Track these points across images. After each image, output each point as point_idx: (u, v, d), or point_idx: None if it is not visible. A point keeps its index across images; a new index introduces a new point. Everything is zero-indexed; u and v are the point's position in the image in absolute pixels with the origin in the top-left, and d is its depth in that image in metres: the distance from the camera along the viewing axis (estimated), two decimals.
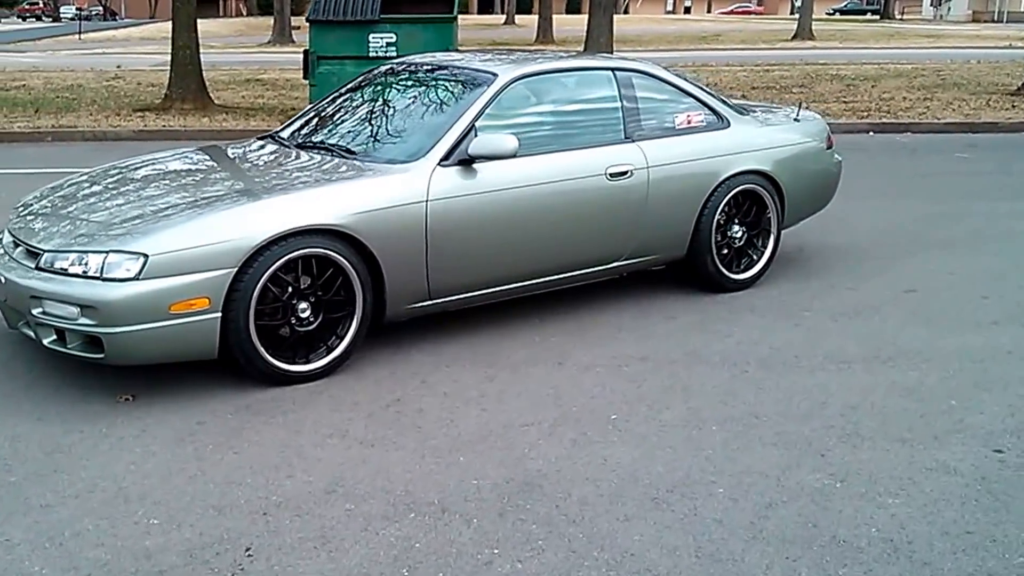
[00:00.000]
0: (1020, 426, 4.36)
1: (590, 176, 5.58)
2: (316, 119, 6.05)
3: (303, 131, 5.94)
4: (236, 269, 4.52)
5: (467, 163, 5.21)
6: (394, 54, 13.50)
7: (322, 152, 5.48)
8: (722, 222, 6.17)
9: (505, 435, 4.29)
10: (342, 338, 4.92)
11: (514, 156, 5.23)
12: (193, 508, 3.69)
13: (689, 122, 6.10)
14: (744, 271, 6.32)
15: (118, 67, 23.92)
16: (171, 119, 14.95)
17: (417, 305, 5.16)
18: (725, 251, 6.25)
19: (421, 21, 13.57)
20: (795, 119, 6.74)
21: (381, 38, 13.54)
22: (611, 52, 15.66)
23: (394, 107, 5.73)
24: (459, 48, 13.67)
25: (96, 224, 4.76)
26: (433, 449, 4.16)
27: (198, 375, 4.88)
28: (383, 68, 6.35)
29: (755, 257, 6.39)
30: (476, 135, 5.23)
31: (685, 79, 6.32)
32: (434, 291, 5.16)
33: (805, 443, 4.20)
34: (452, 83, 5.71)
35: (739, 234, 6.27)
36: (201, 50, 16.48)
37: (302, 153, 5.61)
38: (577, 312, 5.95)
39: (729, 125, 6.22)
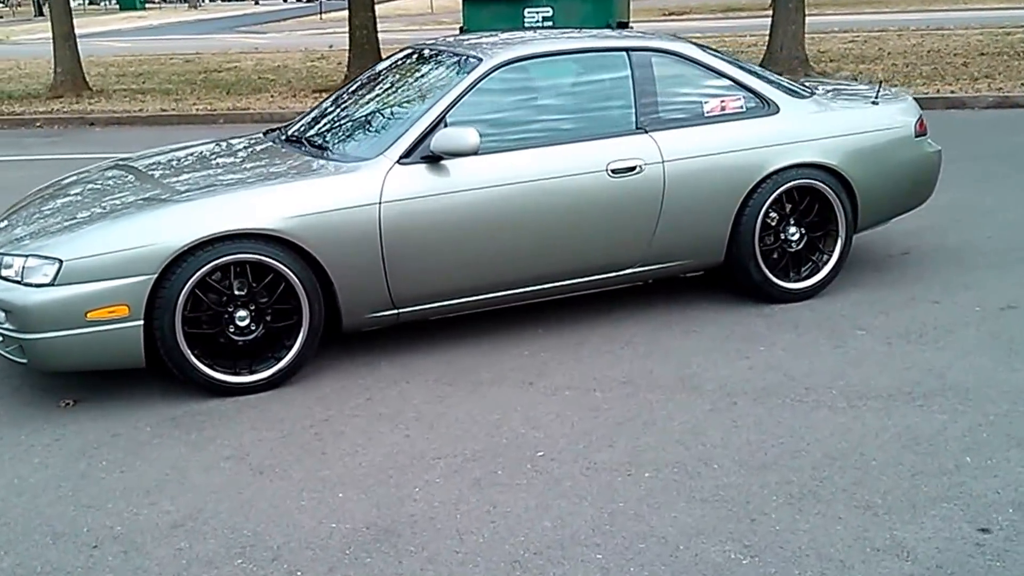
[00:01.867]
0: None
1: (586, 173, 4.93)
2: (329, 109, 5.66)
3: (308, 122, 5.57)
4: (156, 275, 4.23)
5: (434, 160, 4.68)
6: (551, 28, 12.97)
7: (299, 148, 5.11)
8: (772, 223, 5.34)
9: (407, 469, 3.83)
10: (289, 349, 4.52)
11: (475, 153, 4.67)
12: (33, 534, 3.48)
13: (723, 108, 5.30)
14: (803, 279, 5.48)
15: (329, 47, 24.49)
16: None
17: (381, 314, 4.71)
18: (777, 256, 5.40)
19: None
20: (873, 101, 5.76)
21: (537, 12, 13.07)
22: (802, 14, 14.35)
23: (383, 98, 5.28)
24: (624, 24, 12.93)
25: (35, 228, 4.59)
26: (320, 482, 3.75)
27: (158, 380, 4.67)
28: (401, 53, 5.88)
29: (819, 263, 5.49)
30: (447, 128, 4.69)
31: (724, 58, 5.51)
32: (399, 300, 4.70)
33: (742, 502, 3.49)
34: (441, 70, 5.20)
35: (796, 237, 5.41)
36: (380, 29, 16.44)
37: (280, 149, 5.24)
38: (589, 322, 5.34)
39: (778, 111, 5.37)
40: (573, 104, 5.11)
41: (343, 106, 5.48)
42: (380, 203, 4.56)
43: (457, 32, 13.64)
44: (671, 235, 5.12)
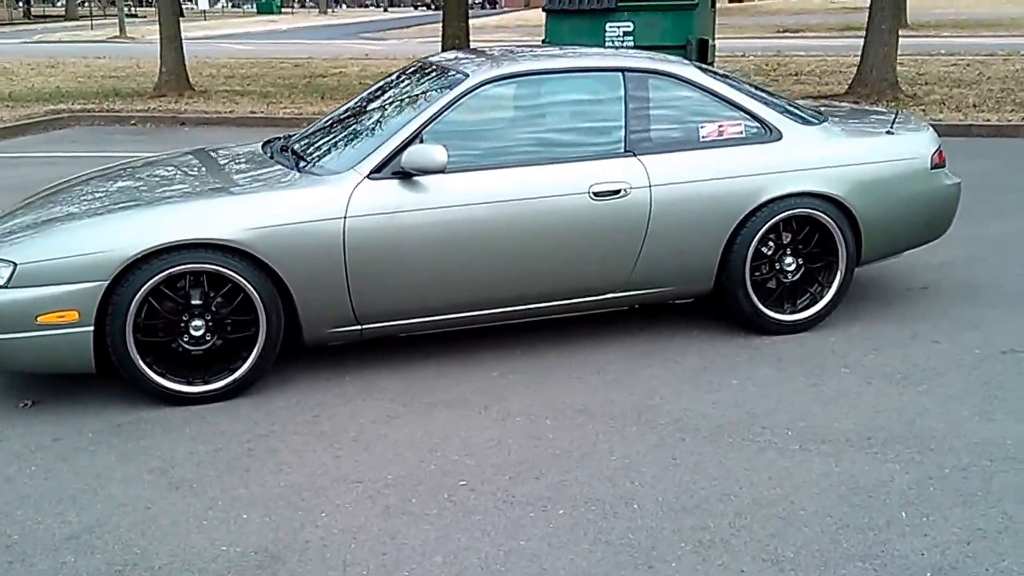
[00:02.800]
0: (957, 562, 3.22)
1: (567, 195, 4.79)
2: (329, 120, 5.65)
3: (307, 133, 5.57)
4: (108, 282, 4.27)
5: (407, 176, 4.62)
6: (631, 44, 12.83)
7: (283, 159, 5.08)
8: (768, 252, 5.12)
9: (322, 492, 3.77)
10: (245, 360, 4.52)
11: (443, 170, 4.58)
12: None
13: (721, 133, 5.10)
14: (799, 311, 5.24)
15: (387, 56, 24.73)
16: None
17: (343, 330, 4.67)
18: (773, 285, 5.18)
19: (660, 8, 12.75)
20: (887, 131, 5.47)
21: (618, 27, 12.89)
22: (895, 36, 13.84)
23: (372, 112, 5.23)
24: (705, 41, 12.66)
25: (9, 228, 4.68)
26: (231, 500, 3.72)
27: (123, 383, 4.66)
28: (407, 67, 5.84)
29: (816, 295, 5.25)
30: (418, 144, 4.63)
31: (730, 82, 5.30)
32: (362, 316, 4.65)
33: (647, 547, 3.35)
34: (431, 86, 5.12)
35: (792, 267, 5.18)
36: (485, 40, 16.49)
37: (262, 160, 5.25)
38: (570, 345, 5.21)
39: (780, 137, 5.14)
40: (559, 124, 4.99)
41: (341, 118, 5.46)
42: (345, 217, 4.51)
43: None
44: (656, 261, 4.95)
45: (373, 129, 4.93)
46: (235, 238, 4.38)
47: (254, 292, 4.44)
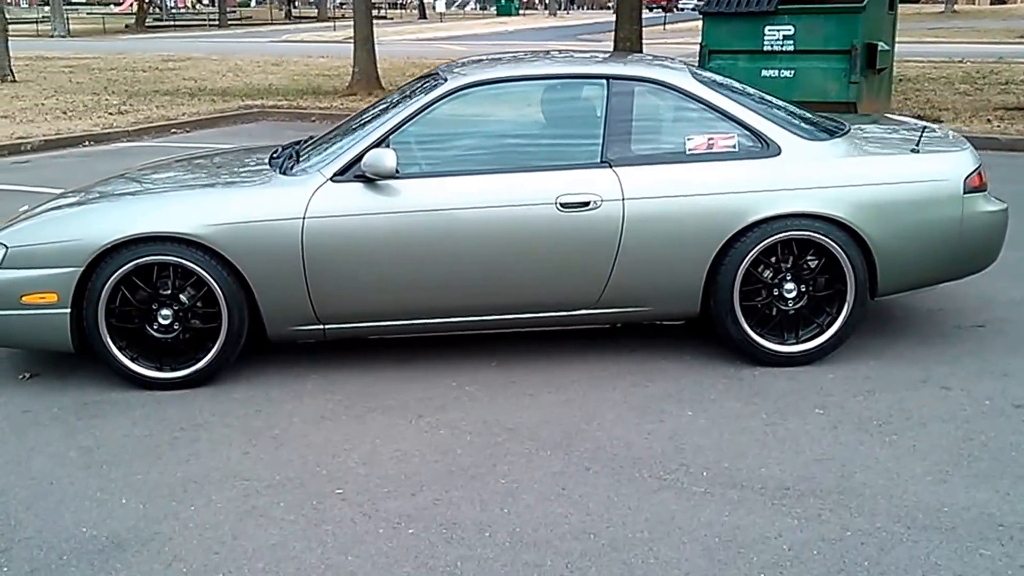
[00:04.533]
0: None
1: (532, 204, 4.68)
2: (341, 125, 5.74)
3: (318, 138, 5.66)
4: (83, 268, 4.52)
5: (371, 180, 4.65)
6: (791, 49, 12.38)
7: (278, 161, 5.19)
8: (766, 277, 4.82)
9: (207, 486, 3.84)
10: (208, 351, 4.68)
11: (393, 176, 4.57)
12: None
13: (710, 146, 4.83)
14: (801, 342, 4.89)
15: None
16: None
17: (306, 328, 4.75)
18: (773, 312, 4.87)
19: (823, 12, 12.18)
20: (913, 148, 5.02)
21: (778, 31, 12.43)
22: None
23: (369, 117, 5.25)
24: (873, 47, 11.99)
25: (34, 211, 5.01)
26: (124, 486, 3.88)
27: None
28: (424, 73, 5.86)
29: (823, 327, 4.90)
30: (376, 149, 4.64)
31: (730, 92, 5.00)
32: (323, 316, 4.71)
33: None
34: (415, 91, 5.11)
35: (793, 294, 4.85)
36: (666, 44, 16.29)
37: (252, 160, 5.40)
38: (544, 360, 5.06)
39: (778, 153, 4.80)
40: (533, 132, 4.87)
41: (350, 123, 5.52)
42: (304, 218, 4.57)
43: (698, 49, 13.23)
44: (632, 279, 4.75)
45: (355, 133, 4.94)
46: (196, 233, 4.51)
47: (216, 286, 4.57)
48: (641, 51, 16.04)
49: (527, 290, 4.72)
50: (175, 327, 4.64)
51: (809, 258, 4.81)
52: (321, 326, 4.72)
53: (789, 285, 4.80)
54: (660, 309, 4.86)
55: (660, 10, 55.42)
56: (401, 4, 78.34)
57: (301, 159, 4.97)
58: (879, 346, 5.11)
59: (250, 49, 31.91)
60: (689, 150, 4.78)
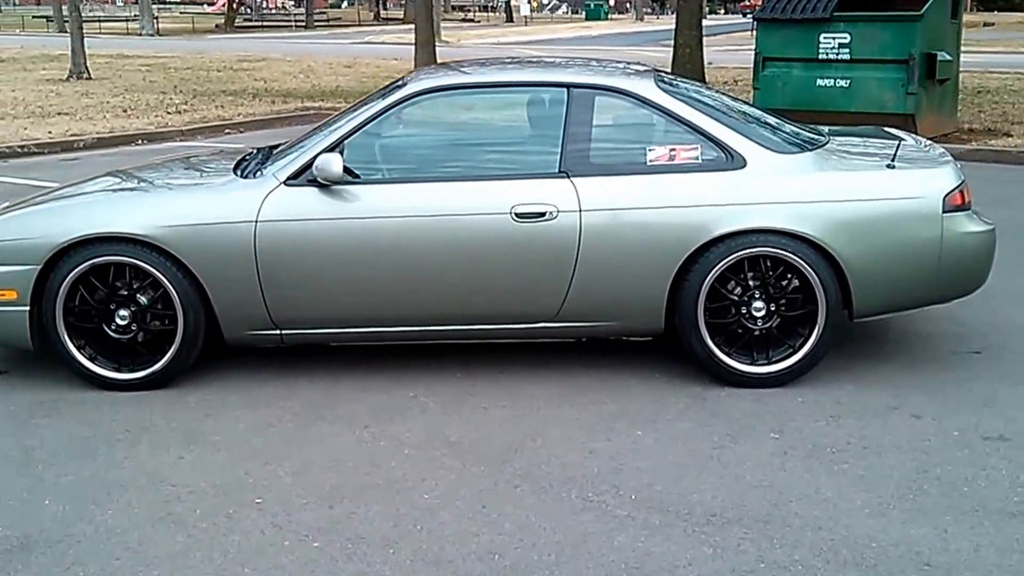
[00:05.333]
0: None
1: (487, 214, 4.59)
2: (319, 127, 5.71)
3: (289, 142, 5.63)
4: (41, 267, 4.56)
5: (324, 185, 4.62)
6: (847, 57, 12.10)
7: (243, 164, 5.18)
8: (734, 295, 4.68)
9: (133, 490, 3.84)
10: (165, 353, 4.70)
11: (339, 181, 4.52)
12: None
13: (672, 158, 4.69)
14: (772, 363, 4.72)
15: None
16: None
17: (263, 333, 4.73)
18: (742, 332, 4.72)
19: (880, 20, 11.88)
20: (889, 164, 4.81)
21: (833, 39, 12.16)
22: None
23: (334, 120, 5.22)
24: (932, 56, 11.63)
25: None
26: (52, 486, 3.92)
27: None
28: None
29: (795, 348, 4.73)
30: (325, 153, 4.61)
31: (699, 102, 4.85)
32: (278, 321, 4.69)
33: None
34: (378, 96, 5.07)
35: (762, 313, 4.69)
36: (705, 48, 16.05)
37: (218, 163, 5.41)
38: (512, 373, 4.96)
39: (743, 165, 4.65)
40: (491, 139, 4.82)
41: (320, 126, 5.49)
42: (256, 222, 4.55)
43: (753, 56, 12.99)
44: (592, 293, 4.64)
45: (315, 137, 4.91)
46: (149, 234, 4.53)
47: (171, 287, 4.58)
48: (701, 58, 15.82)
49: (483, 301, 4.63)
50: (132, 328, 4.65)
51: (778, 276, 4.60)
52: (278, 331, 4.70)
53: (758, 304, 4.63)
54: (623, 324, 4.73)
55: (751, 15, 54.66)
56: (492, 7, 78.62)
57: (267, 163, 4.93)
58: (863, 369, 4.91)
59: (329, 51, 32.26)
60: (650, 161, 4.65)
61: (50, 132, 13.10)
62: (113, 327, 4.66)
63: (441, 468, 3.97)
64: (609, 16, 66.76)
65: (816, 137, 5.07)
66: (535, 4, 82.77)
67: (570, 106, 4.69)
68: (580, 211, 4.51)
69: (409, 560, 3.33)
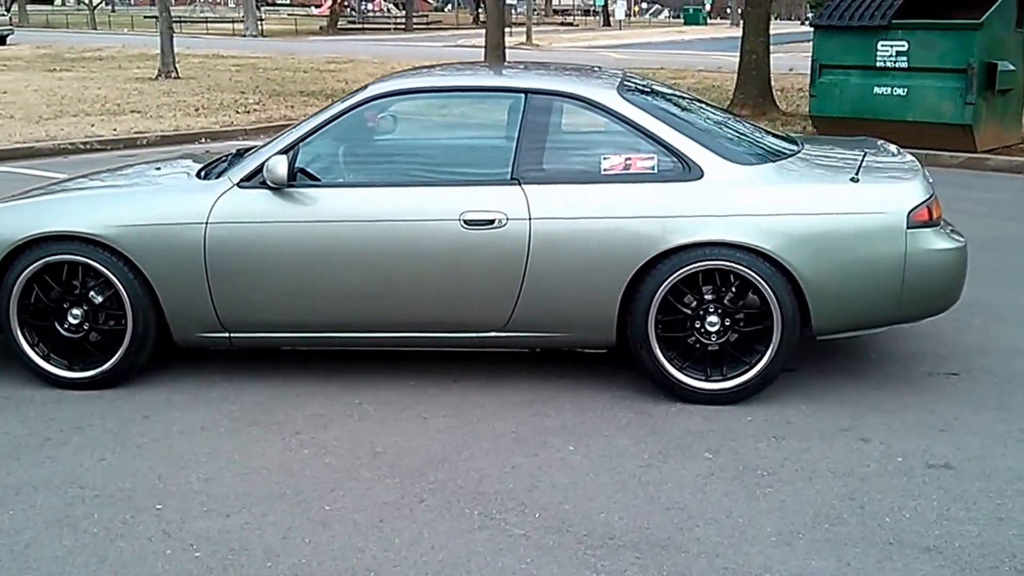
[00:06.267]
0: None
1: (436, 220, 4.53)
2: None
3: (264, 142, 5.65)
4: None
5: (276, 188, 4.62)
6: (904, 65, 11.72)
7: (217, 165, 5.20)
8: (691, 308, 4.54)
9: (43, 492, 3.84)
10: (115, 352, 4.75)
11: (284, 185, 4.50)
12: None
13: (627, 167, 4.56)
14: (727, 379, 4.56)
15: (718, 68, 23.74)
16: None
17: (212, 335, 4.74)
18: (696, 347, 4.58)
19: (939, 28, 11.46)
20: (852, 177, 4.61)
21: (891, 46, 11.78)
22: None
23: (299, 123, 5.21)
24: (992, 65, 11.19)
25: None
26: None
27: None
28: None
29: (751, 364, 4.57)
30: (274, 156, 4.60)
31: (658, 109, 4.70)
32: (226, 323, 4.70)
33: None
34: (342, 98, 5.04)
35: (716, 328, 4.54)
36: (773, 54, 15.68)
37: (181, 163, 5.42)
38: (466, 383, 4.86)
39: (700, 176, 4.50)
40: (446, 145, 4.74)
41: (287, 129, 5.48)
42: (207, 223, 4.56)
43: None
44: (541, 303, 4.53)
45: (277, 139, 4.90)
46: (101, 233, 4.57)
47: (121, 287, 4.61)
48: (768, 65, 15.46)
49: (431, 309, 4.56)
50: (84, 327, 4.68)
51: (734, 291, 4.44)
52: (227, 334, 4.69)
53: (713, 319, 4.47)
54: (574, 336, 4.61)
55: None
56: (593, 11, 78.44)
57: (232, 166, 4.94)
58: (827, 388, 4.72)
59: (417, 53, 32.46)
60: (604, 170, 4.52)
61: (115, 129, 13.41)
62: (66, 326, 4.69)
63: (353, 479, 3.91)
64: (707, 21, 65.90)
65: (787, 147, 4.88)
66: (636, 9, 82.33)
67: (526, 112, 4.59)
68: (530, 219, 4.41)
69: (287, 573, 3.27)
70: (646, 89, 5.04)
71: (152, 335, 4.69)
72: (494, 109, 4.86)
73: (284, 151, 4.57)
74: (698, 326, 4.49)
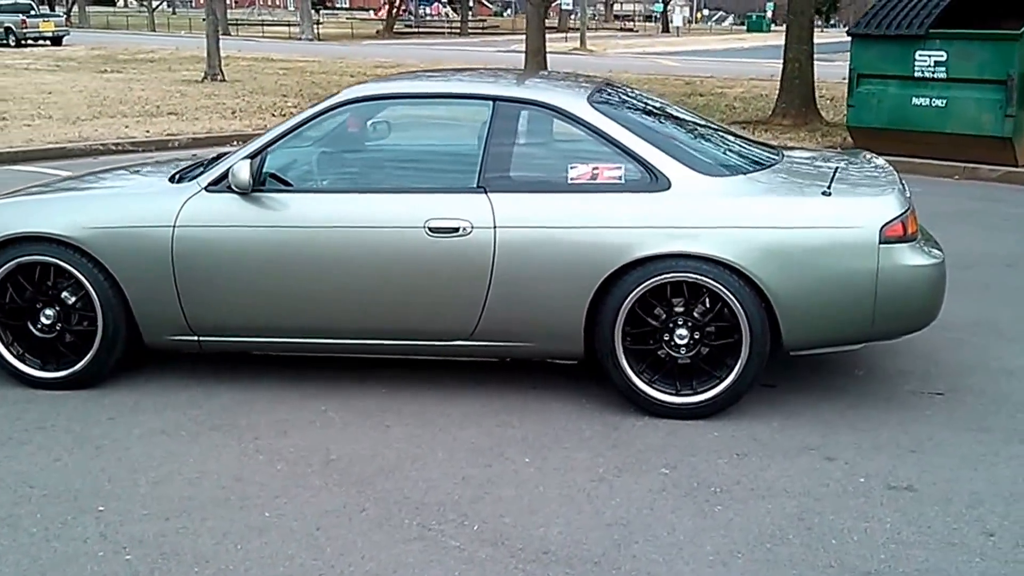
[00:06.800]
0: None
1: (401, 227, 4.50)
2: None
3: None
4: None
5: (241, 192, 4.62)
6: (943, 76, 11.49)
7: (192, 169, 5.22)
8: (660, 320, 4.46)
9: None
10: (86, 353, 4.78)
11: (247, 190, 4.50)
12: None
13: (594, 177, 4.49)
14: (696, 393, 4.48)
15: (771, 76, 23.37)
16: (758, 136, 14.17)
17: (181, 338, 4.75)
18: (665, 359, 4.50)
19: (978, 38, 11.21)
20: (824, 191, 4.49)
21: (929, 56, 11.54)
22: None
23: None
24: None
25: None
26: None
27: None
28: None
29: (721, 379, 4.49)
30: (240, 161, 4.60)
31: (621, 119, 4.63)
32: (195, 326, 4.71)
33: None
34: (312, 104, 5.04)
35: (685, 341, 4.46)
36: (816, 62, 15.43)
37: (161, 168, 5.43)
38: (435, 392, 4.82)
39: (667, 187, 4.42)
40: (414, 152, 4.71)
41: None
42: (174, 226, 4.58)
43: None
44: (507, 312, 4.48)
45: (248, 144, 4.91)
46: (71, 235, 4.60)
47: (91, 289, 4.64)
48: (812, 73, 15.22)
49: (397, 317, 4.53)
50: (57, 327, 4.71)
51: (703, 305, 4.35)
52: (196, 337, 4.70)
53: (682, 332, 4.39)
54: (541, 347, 4.55)
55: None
56: (655, 17, 78.18)
57: (205, 170, 4.95)
58: (804, 405, 4.62)
59: (465, 57, 32.56)
60: (571, 179, 4.45)
61: (148, 131, 13.58)
62: (39, 326, 4.73)
63: (301, 486, 3.88)
64: (771, 28, 65.26)
65: (766, 158, 4.77)
66: (699, 15, 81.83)
67: (494, 120, 4.55)
68: (495, 228, 4.36)
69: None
70: (621, 98, 4.97)
71: (122, 337, 4.70)
72: (464, 116, 4.82)
73: (251, 156, 4.56)
74: (667, 339, 4.40)
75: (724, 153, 4.72)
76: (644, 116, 4.79)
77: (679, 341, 4.39)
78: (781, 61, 15.53)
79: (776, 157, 4.84)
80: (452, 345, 4.58)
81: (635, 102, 5.02)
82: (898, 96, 11.75)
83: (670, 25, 62.55)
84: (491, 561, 3.35)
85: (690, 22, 72.51)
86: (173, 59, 28.74)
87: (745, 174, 4.52)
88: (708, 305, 4.35)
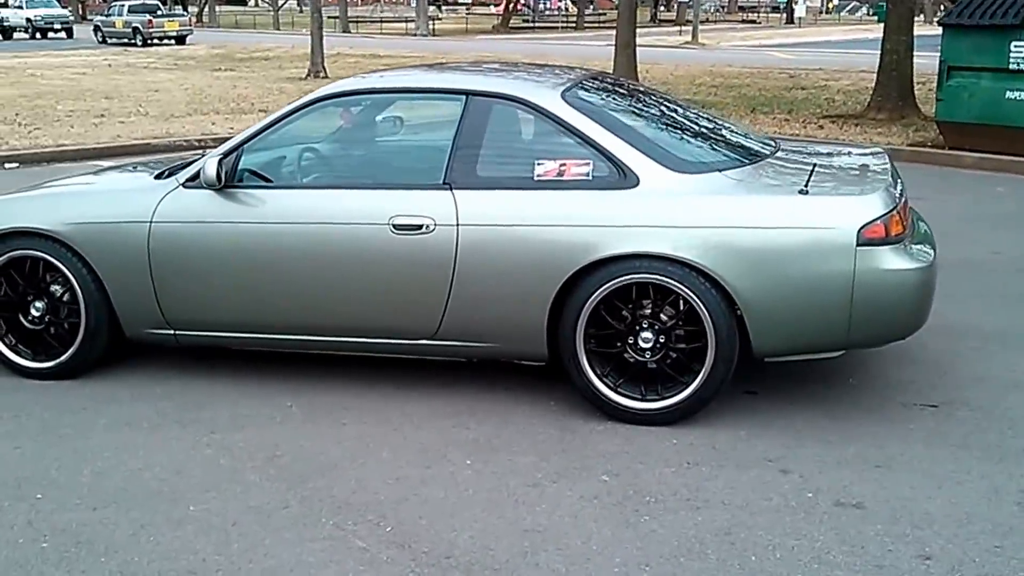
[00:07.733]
0: None
1: (366, 224, 4.47)
2: None
3: None
4: None
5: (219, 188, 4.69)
6: None
7: (179, 167, 5.29)
8: (624, 323, 4.35)
9: None
10: (71, 345, 4.91)
11: (216, 187, 4.53)
12: None
13: (561, 174, 4.39)
14: (662, 398, 4.35)
15: (859, 70, 22.55)
16: (845, 130, 13.76)
17: (159, 332, 4.83)
18: (630, 363, 4.40)
19: None
20: (801, 189, 4.29)
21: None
22: None
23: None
24: None
25: None
26: None
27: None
28: None
29: (688, 384, 4.35)
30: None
31: (594, 114, 4.50)
32: (172, 322, 4.78)
33: None
34: (290, 101, 5.06)
35: (650, 345, 4.34)
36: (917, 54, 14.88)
37: (152, 166, 5.53)
38: (402, 389, 4.79)
39: (635, 184, 4.29)
40: (385, 148, 4.68)
41: None
42: (151, 222, 4.66)
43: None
44: (470, 312, 4.42)
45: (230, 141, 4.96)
46: (57, 230, 4.72)
47: (75, 282, 4.75)
48: (910, 65, 14.68)
49: (362, 314, 4.52)
50: (46, 319, 4.83)
51: (671, 307, 4.21)
52: (172, 331, 4.77)
53: (647, 335, 4.26)
54: (504, 347, 4.48)
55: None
56: (781, 8, 76.62)
57: (188, 166, 5.02)
58: (780, 414, 4.45)
59: (571, 52, 32.37)
60: (537, 176, 4.35)
61: (231, 128, 13.85)
62: (29, 318, 4.86)
63: (235, 481, 3.90)
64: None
65: (751, 154, 4.59)
66: (830, 5, 79.75)
67: (464, 115, 4.48)
68: (458, 225, 4.30)
69: (113, 570, 3.29)
70: (604, 92, 4.83)
71: (105, 330, 4.80)
72: (437, 111, 4.75)
73: (225, 153, 4.59)
74: (631, 342, 4.26)
75: (706, 149, 4.54)
76: (623, 111, 4.65)
77: (644, 344, 4.25)
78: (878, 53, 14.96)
79: (765, 152, 4.64)
80: (416, 344, 4.53)
81: (619, 96, 4.89)
82: (991, 90, 11.22)
83: (794, 16, 61.05)
84: (390, 563, 3.30)
85: (821, 12, 70.71)
86: (286, 58, 29.33)
87: (721, 171, 4.33)
88: (676, 308, 4.18)
